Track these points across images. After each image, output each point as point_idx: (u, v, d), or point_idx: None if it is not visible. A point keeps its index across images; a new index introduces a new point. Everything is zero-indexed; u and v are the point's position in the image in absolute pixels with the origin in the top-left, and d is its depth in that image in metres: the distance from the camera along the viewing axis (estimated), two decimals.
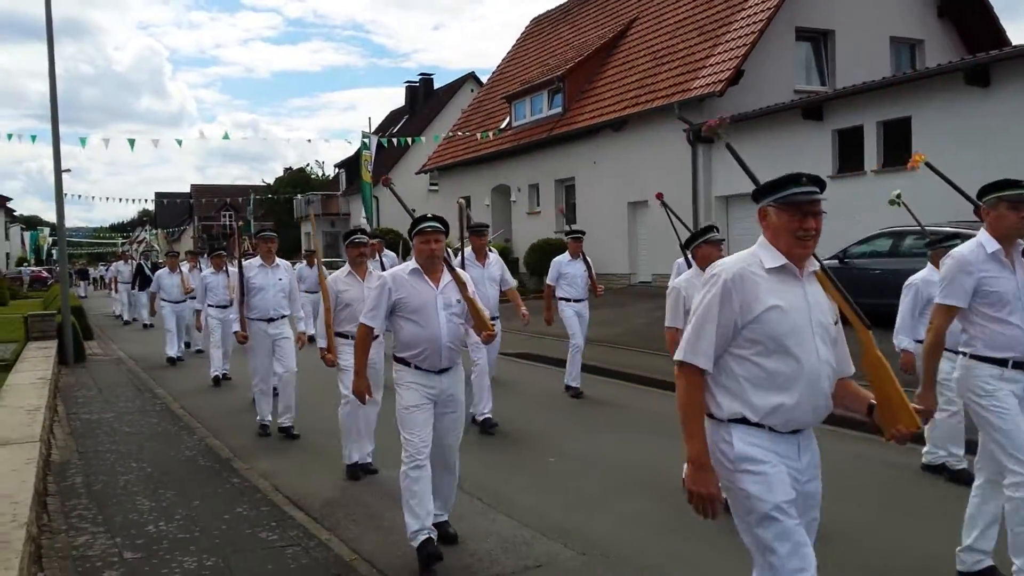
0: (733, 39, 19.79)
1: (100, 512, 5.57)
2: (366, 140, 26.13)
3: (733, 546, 4.89)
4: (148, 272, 19.67)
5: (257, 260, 7.98)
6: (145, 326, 19.56)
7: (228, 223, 45.80)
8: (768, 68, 19.52)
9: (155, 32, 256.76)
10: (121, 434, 8.04)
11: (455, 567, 4.67)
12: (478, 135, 28.11)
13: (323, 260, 18.25)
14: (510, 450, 7.34)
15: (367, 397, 5.10)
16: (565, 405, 9.28)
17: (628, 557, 4.75)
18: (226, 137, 26.07)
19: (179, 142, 22.73)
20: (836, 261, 13.56)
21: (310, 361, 8.31)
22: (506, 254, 24.81)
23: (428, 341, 4.62)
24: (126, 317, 22.19)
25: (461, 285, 4.80)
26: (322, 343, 6.50)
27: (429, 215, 4.83)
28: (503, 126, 28.22)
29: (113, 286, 24.67)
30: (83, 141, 21.25)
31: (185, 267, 14.91)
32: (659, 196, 7.82)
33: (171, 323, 13.75)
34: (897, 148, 15.49)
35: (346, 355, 6.38)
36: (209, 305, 11.32)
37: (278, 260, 7.99)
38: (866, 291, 7.69)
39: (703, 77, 19.60)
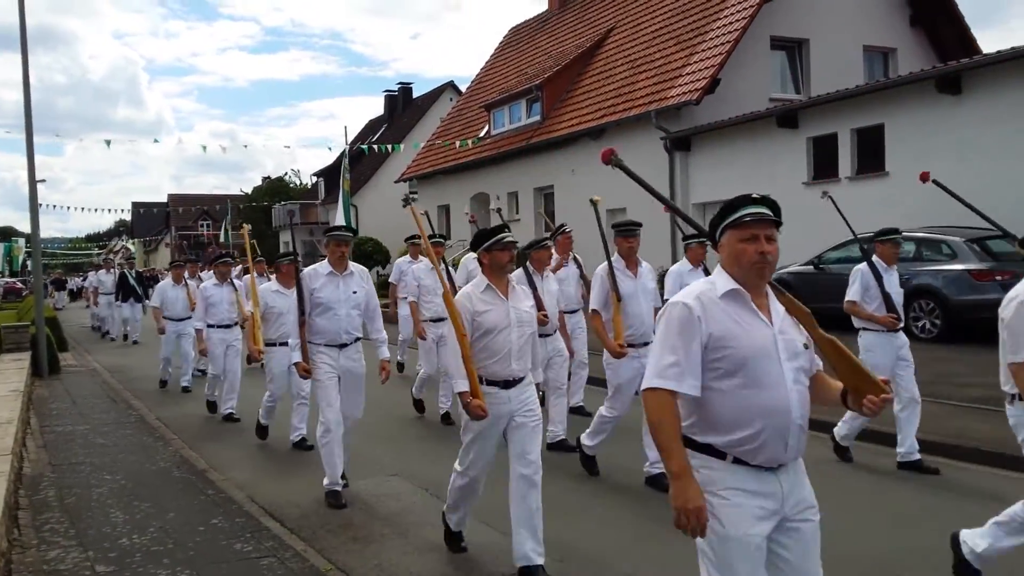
0: (709, 48, 19.95)
1: (72, 525, 5.50)
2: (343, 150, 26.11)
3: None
4: (132, 282, 19.15)
5: (323, 267, 6.18)
6: (130, 341, 18.63)
7: (229, 229, 45.34)
8: (744, 77, 19.69)
9: (131, 41, 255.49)
10: (95, 446, 7.95)
11: (434, 574, 4.66)
12: (457, 143, 28.13)
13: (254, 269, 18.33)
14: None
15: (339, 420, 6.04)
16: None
17: (605, 563, 4.76)
18: (204, 149, 25.70)
19: (156, 140, 22.50)
20: (811, 267, 13.70)
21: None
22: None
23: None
24: (113, 332, 20.39)
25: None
26: (296, 355, 6.08)
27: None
28: (482, 134, 28.26)
29: (93, 298, 22.45)
30: (60, 144, 20.80)
31: (192, 281, 12.67)
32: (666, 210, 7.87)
33: (171, 345, 11.82)
34: (871, 155, 15.67)
35: (319, 367, 6.12)
36: (211, 325, 9.41)
37: (352, 266, 6.21)
38: (839, 296, 7.70)
39: (680, 86, 19.73)
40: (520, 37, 33.11)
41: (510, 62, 31.91)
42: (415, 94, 46.95)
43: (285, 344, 7.42)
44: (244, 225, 10.21)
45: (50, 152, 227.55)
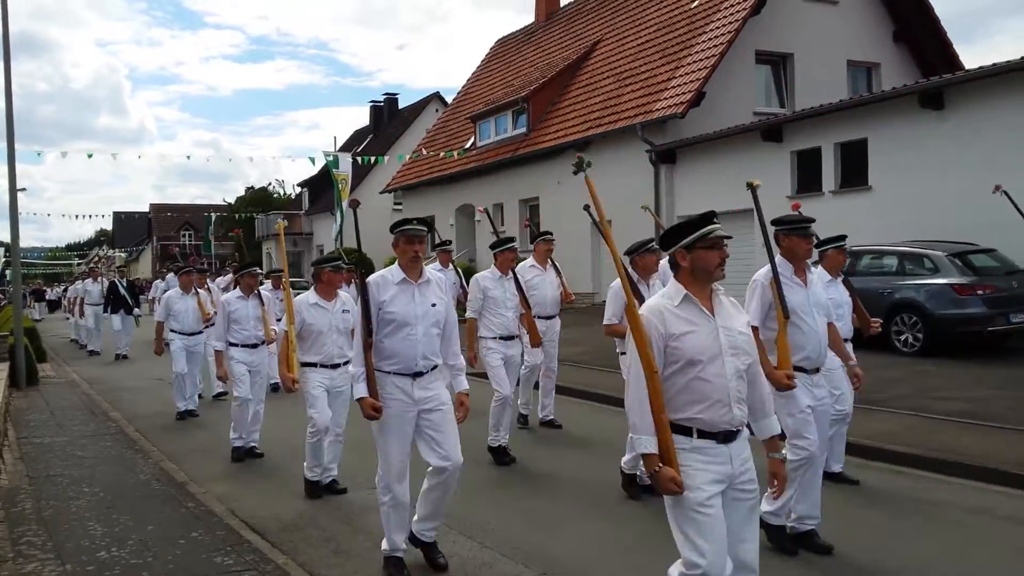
0: (695, 62, 20.07)
1: (50, 538, 5.41)
2: (330, 159, 26.02)
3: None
4: (123, 292, 17.67)
5: (392, 273, 4.78)
6: (118, 356, 16.92)
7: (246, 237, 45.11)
8: (729, 90, 19.81)
9: (114, 49, 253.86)
10: (74, 458, 7.84)
11: None
12: (442, 154, 28.15)
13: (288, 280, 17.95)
14: (471, 471, 7.27)
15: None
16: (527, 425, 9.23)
17: (588, 575, 4.72)
18: (188, 158, 25.50)
19: (139, 156, 22.29)
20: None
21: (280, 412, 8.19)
22: (470, 273, 24.77)
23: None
24: (93, 347, 18.79)
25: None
26: (362, 388, 4.68)
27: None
28: (468, 146, 28.30)
29: (77, 309, 20.28)
30: (39, 154, 20.33)
31: (201, 291, 10.95)
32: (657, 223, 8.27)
33: (181, 362, 10.19)
34: (854, 169, 15.78)
35: (313, 383, 6.35)
36: (233, 344, 7.99)
37: (427, 272, 4.85)
38: None
39: (665, 99, 19.84)
40: (507, 49, 33.22)
41: (496, 74, 32.00)
42: (401, 105, 46.99)
43: (328, 367, 6.37)
44: (280, 222, 8.47)
45: (30, 160, 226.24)
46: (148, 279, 39.47)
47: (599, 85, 23.52)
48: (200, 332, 10.38)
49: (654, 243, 6.12)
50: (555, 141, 23.31)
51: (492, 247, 7.75)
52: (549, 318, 8.46)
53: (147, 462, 7.63)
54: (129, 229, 76.72)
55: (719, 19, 20.56)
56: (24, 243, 18.17)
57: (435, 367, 4.75)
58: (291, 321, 6.30)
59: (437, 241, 11.66)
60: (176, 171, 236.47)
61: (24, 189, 37.38)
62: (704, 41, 20.40)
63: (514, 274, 7.67)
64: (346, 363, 6.20)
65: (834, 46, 21.26)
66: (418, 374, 4.67)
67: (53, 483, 6.89)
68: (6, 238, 22.96)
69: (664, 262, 6.33)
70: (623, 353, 6.04)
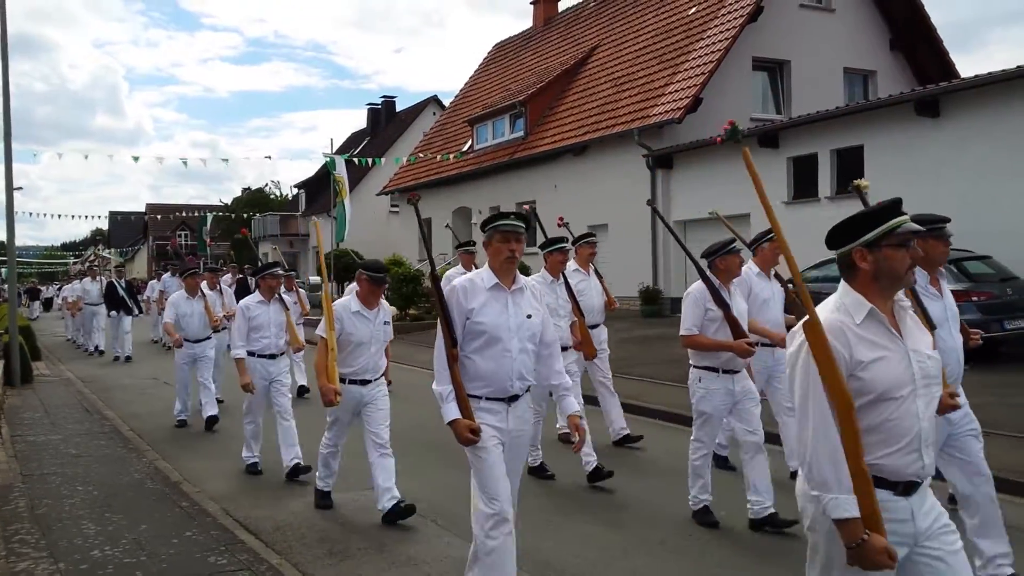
0: (692, 68, 20.12)
1: (43, 537, 5.40)
2: (329, 159, 26.00)
3: (683, 566, 4.91)
4: (122, 292, 17.21)
5: (481, 277, 4.10)
6: (117, 358, 16.49)
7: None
8: (726, 96, 19.86)
9: (111, 50, 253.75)
10: (67, 457, 7.82)
11: None
12: (439, 157, 28.16)
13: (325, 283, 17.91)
14: (465, 473, 7.27)
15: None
16: None
17: None
18: (185, 163, 25.45)
19: (135, 159, 22.18)
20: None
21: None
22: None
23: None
24: (93, 345, 18.27)
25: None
26: (452, 409, 3.96)
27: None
28: (465, 149, 28.32)
29: (73, 309, 19.96)
30: (36, 155, 20.10)
31: (211, 293, 10.16)
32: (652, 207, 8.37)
33: (185, 372, 9.69)
34: (850, 176, 15.76)
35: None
36: (252, 353, 7.20)
37: (520, 278, 4.16)
38: None
39: (662, 104, 19.88)
40: (504, 53, 33.27)
41: (494, 78, 32.03)
42: (398, 108, 47.03)
43: (358, 382, 5.90)
44: (315, 220, 7.93)
45: (26, 160, 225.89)
46: (144, 279, 39.30)
47: (596, 90, 23.56)
48: (208, 338, 9.74)
49: (736, 244, 5.58)
50: (552, 145, 23.34)
51: (542, 247, 7.18)
52: (595, 327, 7.92)
53: (141, 461, 7.61)
54: (125, 229, 76.48)
55: (716, 26, 20.62)
56: (19, 242, 18.01)
57: (528, 389, 4.13)
58: (331, 327, 5.72)
59: (457, 242, 10.96)
60: (172, 172, 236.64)
61: (20, 188, 37.30)
62: (701, 47, 20.45)
63: (565, 278, 7.20)
64: (377, 378, 5.97)
65: (831, 53, 21.34)
66: (513, 398, 4.02)
67: (47, 481, 6.88)
68: (2, 237, 22.70)
69: (746, 266, 6.08)
70: (700, 367, 5.50)
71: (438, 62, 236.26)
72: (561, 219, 9.84)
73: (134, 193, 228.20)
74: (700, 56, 20.21)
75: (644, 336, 15.64)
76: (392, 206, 36.18)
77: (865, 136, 15.46)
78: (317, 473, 6.26)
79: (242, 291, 11.85)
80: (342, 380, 5.77)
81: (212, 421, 9.31)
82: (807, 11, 21.35)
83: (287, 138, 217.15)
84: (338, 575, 4.85)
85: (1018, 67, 12.84)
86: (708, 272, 5.47)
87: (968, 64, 77.74)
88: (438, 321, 4.03)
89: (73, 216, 67.83)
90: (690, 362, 5.63)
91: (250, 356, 7.19)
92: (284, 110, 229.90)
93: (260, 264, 8.27)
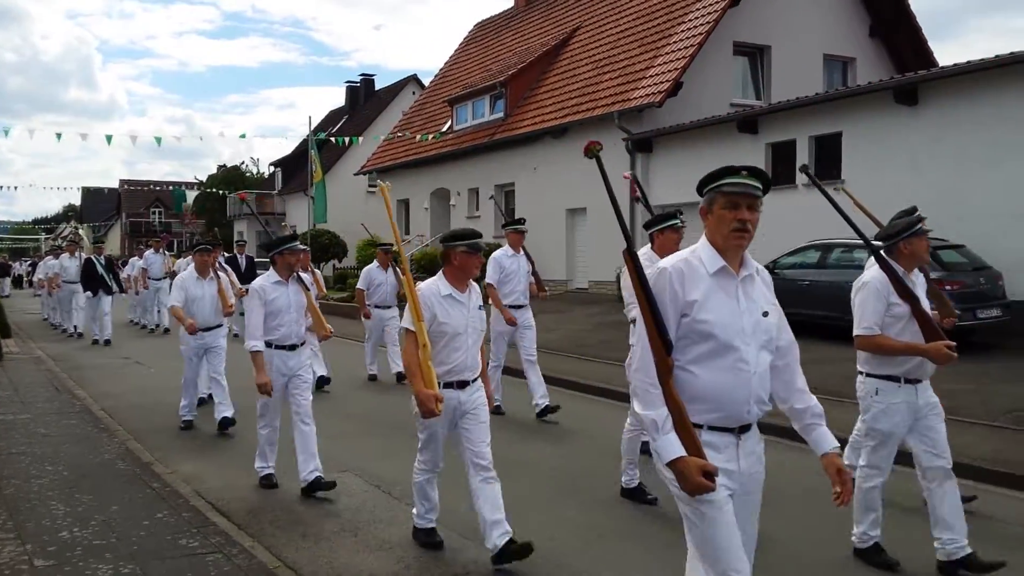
0: (673, 51, 20.08)
1: (10, 518, 5.32)
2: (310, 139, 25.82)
3: (662, 549, 4.92)
4: (101, 270, 15.99)
5: (704, 257, 2.98)
6: (97, 342, 15.60)
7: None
8: (706, 81, 19.86)
9: (84, 21, 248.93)
10: (37, 436, 7.71)
11: (384, 573, 4.59)
12: (418, 137, 27.97)
13: (256, 261, 17.67)
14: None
15: None
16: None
17: (558, 562, 4.73)
18: (159, 142, 24.80)
19: (108, 139, 21.60)
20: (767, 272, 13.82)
21: (244, 362, 8.11)
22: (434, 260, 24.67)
23: None
24: (71, 326, 17.22)
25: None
26: (673, 443, 2.81)
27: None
28: (444, 129, 28.15)
29: (51, 286, 18.68)
30: (7, 131, 19.63)
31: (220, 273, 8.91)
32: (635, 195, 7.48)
33: (192, 369, 8.49)
34: (828, 163, 15.88)
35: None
36: (269, 344, 6.17)
37: (748, 259, 3.05)
38: (794, 301, 7.76)
39: (643, 88, 19.84)
40: (485, 33, 33.04)
41: (474, 58, 31.82)
42: (378, 86, 46.63)
43: (455, 385, 4.77)
44: (384, 183, 5.57)
45: None
46: (115, 256, 38.77)
47: (577, 72, 23.47)
48: (219, 326, 8.54)
49: (924, 223, 4.67)
50: (532, 127, 23.25)
51: (648, 225, 6.20)
52: (520, 307, 8.80)
53: (112, 441, 7.52)
54: (98, 204, 75.49)
55: (698, 9, 20.58)
56: None
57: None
58: (419, 317, 4.63)
59: (504, 219, 9.78)
60: (147, 147, 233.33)
61: None
62: (682, 31, 20.41)
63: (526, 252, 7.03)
64: (475, 379, 4.84)
65: (811, 40, 21.37)
66: (745, 428, 2.93)
67: (15, 461, 6.77)
68: None
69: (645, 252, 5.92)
70: (878, 376, 4.59)
71: (418, 40, 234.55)
72: (636, 192, 8.43)
73: (107, 168, 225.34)
74: (681, 40, 20.17)
75: (620, 321, 15.65)
76: (370, 186, 35.94)
77: (843, 123, 15.51)
78: (415, 510, 5.07)
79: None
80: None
81: (227, 423, 8.08)
82: None
83: (264, 115, 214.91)
84: (312, 558, 4.82)
85: (996, 56, 12.91)
86: (888, 258, 4.57)
87: (947, 53, 78.10)
88: (640, 322, 2.88)
89: (44, 188, 66.88)
90: (860, 369, 4.69)
91: (266, 349, 6.12)
92: (261, 86, 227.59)
93: (237, 242, 7.74)
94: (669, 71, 19.51)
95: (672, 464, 2.72)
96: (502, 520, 4.60)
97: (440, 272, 4.85)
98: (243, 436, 7.75)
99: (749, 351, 2.86)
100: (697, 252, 2.96)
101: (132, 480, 6.24)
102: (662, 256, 5.63)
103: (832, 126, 15.77)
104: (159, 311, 17.45)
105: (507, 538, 4.57)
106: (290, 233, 6.31)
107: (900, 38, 22.58)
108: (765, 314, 2.95)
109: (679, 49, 19.92)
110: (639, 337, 2.89)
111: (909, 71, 17.93)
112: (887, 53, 22.72)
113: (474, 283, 4.91)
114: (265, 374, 6.00)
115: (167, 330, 16.82)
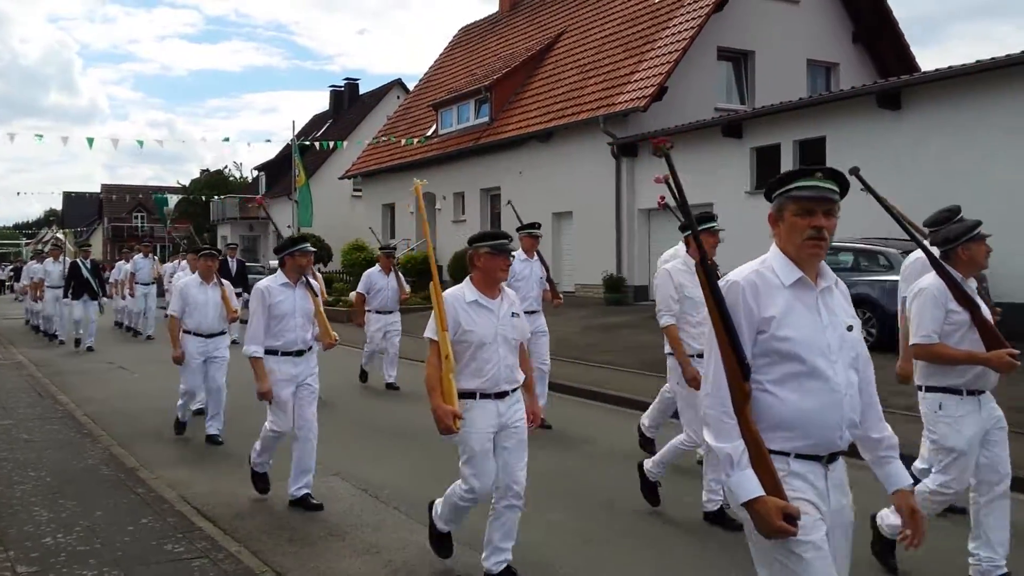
0: (657, 56, 20.16)
1: None
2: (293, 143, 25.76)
3: (653, 554, 4.92)
4: (86, 274, 15.44)
5: (778, 268, 2.70)
6: (80, 348, 15.33)
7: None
8: (690, 86, 19.95)
9: (65, 25, 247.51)
10: (19, 442, 7.62)
11: None
12: (403, 141, 27.94)
13: (248, 266, 17.50)
14: (430, 459, 7.23)
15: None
16: None
17: (548, 566, 4.71)
18: (141, 144, 24.76)
19: (90, 141, 21.41)
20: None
21: (238, 367, 8.06)
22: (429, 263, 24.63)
23: None
24: (56, 333, 16.87)
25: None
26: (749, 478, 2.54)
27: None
28: (429, 133, 28.13)
29: (34, 291, 18.34)
30: None
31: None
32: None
33: (196, 377, 7.95)
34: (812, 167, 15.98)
35: (476, 427, 4.33)
36: (271, 350, 5.78)
37: (828, 272, 2.78)
38: None
39: (628, 92, 19.90)
40: (470, 38, 33.06)
41: (459, 62, 31.84)
42: (362, 90, 46.55)
43: (491, 396, 4.36)
44: (418, 181, 5.05)
45: None
46: (99, 261, 38.44)
47: (562, 76, 23.52)
48: (223, 333, 8.11)
49: (982, 228, 4.54)
50: (517, 131, 23.27)
51: (682, 229, 5.81)
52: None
53: (96, 446, 7.44)
54: (79, 209, 74.95)
55: (682, 14, 20.68)
56: None
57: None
58: (443, 327, 4.26)
59: (520, 222, 9.32)
60: (128, 151, 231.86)
61: None
62: (667, 36, 20.50)
63: (711, 265, 5.97)
64: (515, 390, 4.44)
65: (795, 45, 21.53)
66: (834, 458, 2.65)
67: None
68: None
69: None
70: (939, 389, 4.32)
71: (402, 45, 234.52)
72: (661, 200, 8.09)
73: (88, 173, 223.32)
74: (666, 45, 20.26)
75: (607, 324, 15.69)
76: (355, 190, 35.85)
77: (827, 128, 15.62)
78: (486, 558, 4.46)
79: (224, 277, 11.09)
80: (471, 396, 4.32)
81: (214, 440, 7.77)
82: (772, 2, 21.49)
83: (247, 119, 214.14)
84: (299, 563, 4.78)
85: (978, 61, 13.04)
86: (946, 264, 4.32)
87: (929, 58, 79.51)
88: (711, 341, 2.60)
89: (23, 193, 66.27)
90: (918, 383, 4.45)
91: (271, 355, 5.75)
92: (244, 90, 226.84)
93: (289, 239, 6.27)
94: (654, 76, 19.59)
95: (749, 505, 2.43)
96: (508, 550, 4.40)
97: (467, 277, 4.49)
98: (229, 441, 7.69)
99: (837, 370, 2.59)
100: (768, 263, 2.69)
101: (116, 485, 6.17)
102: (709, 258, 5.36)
103: (816, 130, 15.87)
104: (146, 316, 17.29)
105: (504, 566, 4.40)
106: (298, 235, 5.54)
107: (883, 44, 22.79)
108: (849, 328, 2.69)
109: (664, 54, 20.00)
110: (709, 360, 2.60)
111: (892, 76, 18.09)
112: (870, 59, 22.92)
113: (508, 289, 4.53)
114: (267, 381, 5.67)
115: (150, 337, 16.66)
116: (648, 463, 5.68)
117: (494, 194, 24.99)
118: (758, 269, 2.67)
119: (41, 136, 29.74)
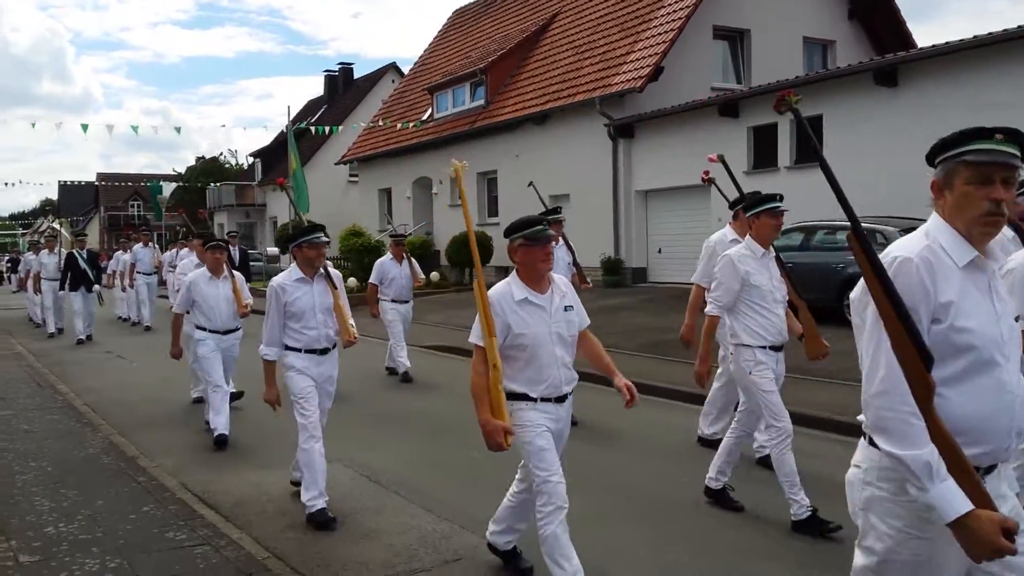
0: (653, 36, 20.05)
1: None
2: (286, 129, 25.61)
3: (644, 537, 4.94)
4: (83, 265, 15.28)
5: (949, 244, 2.31)
6: (80, 341, 14.78)
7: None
8: (686, 65, 19.85)
9: (56, 13, 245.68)
10: (19, 432, 7.64)
11: (374, 561, 4.57)
12: (399, 126, 27.82)
13: (250, 254, 17.43)
14: (431, 445, 7.26)
15: None
16: None
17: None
18: (135, 130, 24.57)
19: (84, 127, 21.31)
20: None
21: (247, 358, 8.04)
22: (427, 247, 24.64)
23: None
24: (53, 327, 16.40)
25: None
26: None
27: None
28: (425, 117, 28.01)
29: (34, 284, 17.65)
30: None
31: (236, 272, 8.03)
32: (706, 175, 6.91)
33: (218, 370, 7.47)
34: (809, 145, 15.95)
35: (535, 431, 3.95)
36: (292, 347, 5.40)
37: (998, 252, 2.45)
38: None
39: (624, 73, 19.80)
40: (464, 20, 32.85)
41: (454, 45, 31.65)
42: (356, 75, 46.33)
43: (552, 400, 4.02)
44: (457, 163, 4.12)
45: None
46: (96, 250, 38.32)
47: (558, 58, 23.40)
48: (236, 329, 7.75)
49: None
50: (513, 114, 23.17)
51: (744, 205, 5.58)
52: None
53: (96, 436, 7.46)
54: (75, 198, 74.73)
55: None
56: None
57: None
58: (490, 332, 3.81)
59: (543, 208, 8.98)
60: (123, 139, 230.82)
61: None
62: (662, 15, 20.38)
63: (776, 252, 5.39)
64: (571, 393, 4.13)
65: (790, 23, 21.40)
66: (991, 468, 2.27)
67: None
68: None
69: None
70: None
71: (396, 29, 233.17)
72: (706, 175, 7.35)
73: (83, 162, 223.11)
74: (661, 24, 20.14)
75: (606, 306, 15.68)
76: (351, 175, 35.74)
77: (824, 105, 15.55)
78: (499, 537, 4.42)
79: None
80: (530, 399, 3.93)
81: (222, 441, 7.17)
82: None
83: (242, 105, 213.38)
84: (300, 549, 4.80)
85: (975, 37, 12.98)
86: None
87: (925, 34, 79.02)
88: (875, 327, 2.20)
89: (18, 183, 66.06)
90: None
91: (291, 352, 5.35)
92: (238, 76, 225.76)
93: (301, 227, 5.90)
94: (649, 56, 19.48)
95: (960, 522, 2.02)
96: (518, 533, 4.31)
97: (513, 271, 4.02)
98: (229, 430, 7.69)
99: (1009, 367, 2.22)
100: (934, 237, 2.28)
101: (117, 474, 6.19)
102: (763, 244, 5.19)
103: (813, 109, 15.78)
104: (146, 305, 17.24)
105: (512, 546, 4.33)
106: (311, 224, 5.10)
107: (879, 20, 22.65)
108: (1017, 319, 2.33)
109: (659, 34, 19.89)
110: (877, 352, 2.19)
111: (888, 53, 18.00)
112: (866, 35, 22.79)
113: (557, 278, 4.06)
114: (275, 387, 5.31)
115: (148, 328, 16.61)
116: (708, 479, 5.33)
117: (491, 177, 24.92)
118: (928, 244, 2.26)
119: (35, 124, 29.52)
